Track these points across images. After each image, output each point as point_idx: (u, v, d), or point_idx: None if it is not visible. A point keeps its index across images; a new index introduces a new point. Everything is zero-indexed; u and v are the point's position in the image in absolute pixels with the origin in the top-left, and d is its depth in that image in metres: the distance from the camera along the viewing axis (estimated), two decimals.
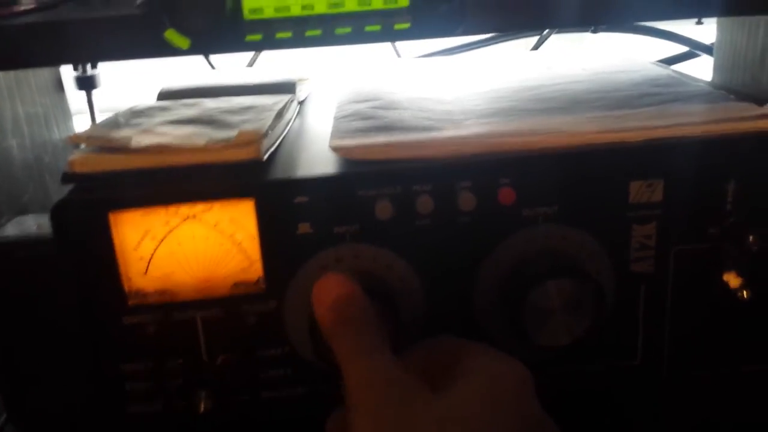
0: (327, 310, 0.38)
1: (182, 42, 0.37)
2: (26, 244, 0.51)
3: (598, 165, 0.43)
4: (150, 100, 0.64)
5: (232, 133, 0.45)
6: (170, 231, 0.44)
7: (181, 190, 0.43)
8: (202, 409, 0.46)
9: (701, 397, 0.48)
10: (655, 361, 0.47)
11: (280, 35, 0.37)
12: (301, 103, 0.64)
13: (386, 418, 0.33)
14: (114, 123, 0.50)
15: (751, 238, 0.43)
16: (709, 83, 0.64)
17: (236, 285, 0.45)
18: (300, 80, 0.65)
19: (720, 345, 0.47)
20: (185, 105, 0.56)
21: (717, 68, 0.65)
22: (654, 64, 0.69)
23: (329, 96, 0.66)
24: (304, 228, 0.43)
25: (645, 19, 0.43)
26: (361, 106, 0.55)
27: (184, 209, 0.43)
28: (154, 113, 0.54)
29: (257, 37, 0.37)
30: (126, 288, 0.45)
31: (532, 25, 0.41)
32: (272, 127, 0.49)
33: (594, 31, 0.72)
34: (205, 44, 0.37)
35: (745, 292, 0.43)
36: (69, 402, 0.53)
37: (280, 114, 0.53)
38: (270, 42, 0.37)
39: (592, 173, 0.43)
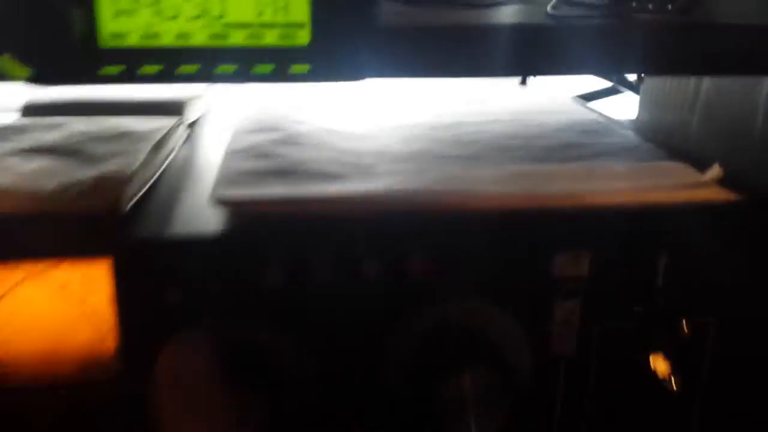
0: None
1: (19, 71, 0.29)
2: None
3: (521, 233, 0.38)
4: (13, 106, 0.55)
5: (89, 174, 0.37)
6: (7, 292, 0.36)
7: (21, 245, 0.35)
8: None
9: None
10: None
11: (146, 70, 0.30)
12: (192, 124, 0.56)
13: None
14: None
15: (683, 321, 0.39)
16: (633, 121, 0.61)
17: (85, 364, 0.37)
18: (192, 98, 0.57)
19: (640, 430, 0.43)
20: (48, 127, 0.47)
21: (643, 106, 0.62)
22: (576, 100, 0.65)
23: (226, 118, 0.59)
24: (172, 296, 0.36)
25: (573, 73, 0.39)
26: (260, 138, 0.48)
27: (25, 267, 0.35)
28: (6, 136, 0.45)
29: (116, 69, 0.30)
30: None
31: (453, 72, 0.35)
32: (144, 165, 0.41)
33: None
34: (49, 75, 0.30)
35: (673, 379, 0.39)
36: None
37: (158, 145, 0.45)
38: (132, 76, 0.30)
39: (513, 242, 0.38)
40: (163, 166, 0.45)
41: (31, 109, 0.54)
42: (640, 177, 0.41)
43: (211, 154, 0.49)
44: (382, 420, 0.39)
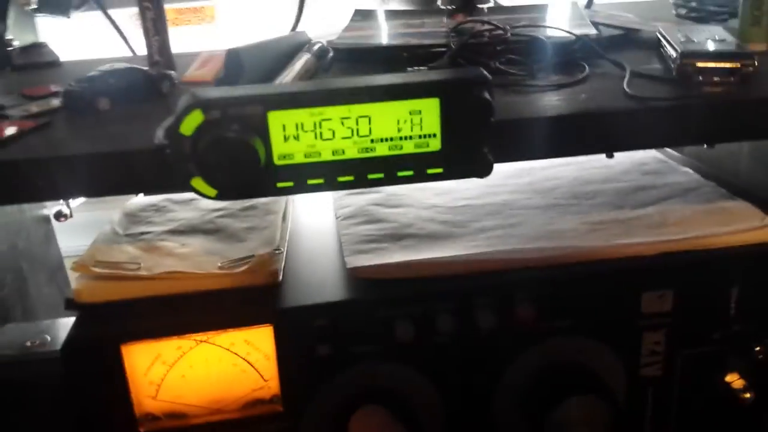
0: None
1: (209, 191, 0.36)
2: (23, 364, 0.49)
3: (613, 279, 0.44)
4: None
5: (244, 252, 0.45)
6: (182, 355, 0.43)
7: (197, 321, 0.42)
8: None
9: None
10: None
11: (312, 182, 0.36)
12: None
13: None
14: (113, 237, 0.49)
15: (757, 347, 0.45)
16: (683, 153, 0.66)
17: (250, 404, 0.44)
18: None
19: None
20: (178, 203, 0.55)
21: None
22: None
23: None
24: (323, 350, 0.43)
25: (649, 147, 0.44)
26: (362, 201, 0.54)
27: (198, 335, 0.42)
28: (149, 217, 0.52)
29: (289, 184, 0.36)
30: (137, 413, 0.43)
31: (554, 154, 0.41)
32: (282, 238, 0.48)
33: None
34: (234, 194, 0.36)
35: (747, 394, 0.45)
36: None
37: (284, 217, 0.52)
38: (301, 188, 0.36)
39: (606, 287, 0.44)
40: (288, 236, 0.52)
41: None
42: (708, 223, 0.47)
43: (318, 218, 0.56)
44: None
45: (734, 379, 0.46)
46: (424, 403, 0.45)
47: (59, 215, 0.75)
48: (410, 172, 0.37)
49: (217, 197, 0.36)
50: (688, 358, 0.46)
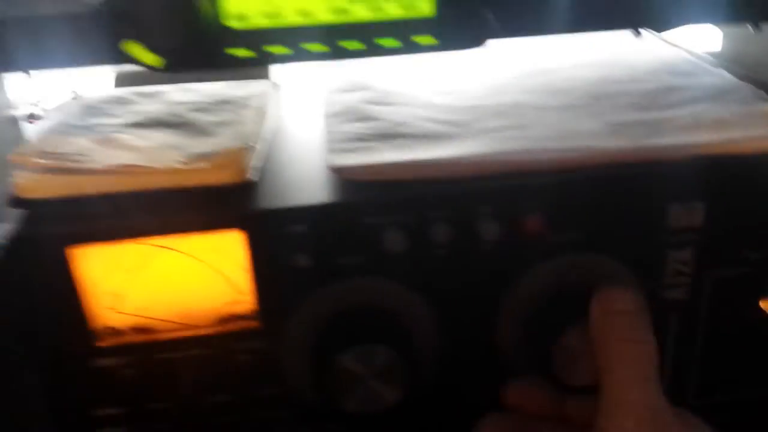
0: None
1: (152, 59, 0.30)
2: None
3: (634, 188, 0.38)
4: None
5: (211, 146, 0.39)
6: (143, 263, 0.38)
7: (156, 223, 0.36)
8: None
9: (725, 424, 0.45)
10: (680, 389, 0.44)
11: (272, 49, 0.30)
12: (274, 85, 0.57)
13: None
14: (65, 127, 0.43)
15: None
16: (716, 55, 0.59)
17: (224, 320, 0.39)
18: None
19: (749, 372, 0.44)
20: (146, 96, 0.49)
21: (727, 38, 0.60)
22: (654, 34, 0.64)
23: (310, 77, 0.59)
24: (302, 260, 0.37)
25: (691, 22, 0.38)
26: (353, 98, 0.48)
27: (159, 240, 0.37)
28: (110, 109, 0.46)
29: (246, 52, 0.30)
30: (93, 326, 0.38)
31: (563, 28, 0.35)
32: (257, 134, 0.42)
33: None
34: (180, 62, 0.30)
35: None
36: None
37: (261, 112, 0.46)
38: (261, 57, 0.30)
39: (626, 196, 0.38)
40: (270, 133, 0.46)
41: (122, 79, 0.55)
42: (748, 125, 0.41)
43: (306, 117, 0.50)
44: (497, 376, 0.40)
45: None
46: (415, 324, 0.39)
47: (32, 117, 0.69)
48: (395, 42, 0.30)
49: (165, 68, 0.30)
50: (719, 281, 0.41)
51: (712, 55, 0.60)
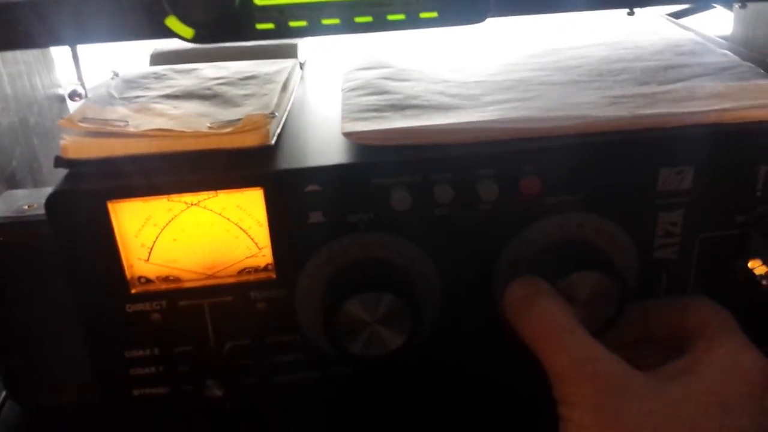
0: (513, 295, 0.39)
1: (185, 31, 0.33)
2: (18, 225, 0.48)
3: (627, 152, 0.41)
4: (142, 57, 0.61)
5: (237, 115, 0.42)
6: (173, 218, 0.42)
7: (185, 181, 0.40)
8: (211, 393, 0.45)
9: None
10: None
11: (294, 24, 0.34)
12: (302, 65, 0.60)
13: (606, 413, 0.33)
14: (107, 98, 0.47)
15: None
16: (727, 38, 0.61)
17: (244, 271, 0.43)
18: (301, 41, 0.61)
19: None
20: (180, 72, 0.53)
21: (738, 22, 0.62)
22: (668, 19, 0.66)
23: (333, 58, 0.63)
24: (315, 217, 0.41)
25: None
26: (370, 75, 0.52)
27: (188, 197, 0.41)
28: (148, 83, 0.50)
29: (269, 25, 0.34)
30: (128, 276, 0.42)
31: (565, 6, 0.37)
32: (278, 105, 0.46)
33: None
34: (210, 34, 0.34)
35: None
36: (70, 380, 0.52)
37: (284, 86, 0.49)
38: (283, 31, 0.34)
39: (620, 161, 0.41)
40: (290, 104, 0.50)
41: (157, 58, 0.59)
42: (740, 97, 0.43)
43: (325, 94, 0.53)
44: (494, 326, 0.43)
45: (756, 266, 0.43)
46: (420, 277, 0.43)
47: (74, 95, 0.74)
48: (401, 16, 0.34)
49: (194, 39, 0.34)
50: (707, 241, 0.43)
51: (723, 38, 0.62)
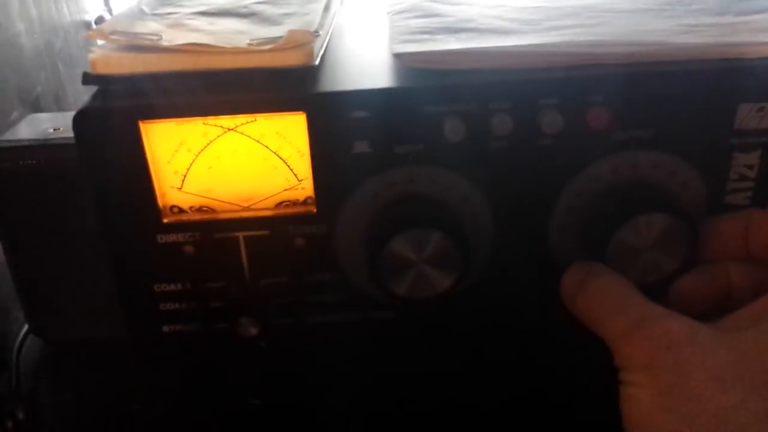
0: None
1: None
2: (43, 149, 0.46)
3: (704, 84, 0.37)
4: None
5: (277, 32, 0.39)
6: (208, 143, 0.39)
7: (222, 101, 0.37)
8: (246, 332, 0.43)
9: None
10: None
11: None
12: None
13: (665, 370, 0.31)
14: (138, 13, 0.44)
15: None
16: None
17: (282, 204, 0.41)
18: None
19: None
20: None
21: None
22: None
23: None
24: (361, 147, 0.38)
25: None
26: None
27: (224, 121, 0.38)
28: (182, 1, 0.47)
29: None
30: (160, 204, 0.40)
31: None
32: (321, 24, 0.42)
33: None
34: None
35: None
36: (97, 315, 0.50)
37: (327, 6, 0.46)
38: None
39: (696, 93, 0.37)
40: (332, 26, 0.46)
41: None
42: None
43: (368, 16, 0.50)
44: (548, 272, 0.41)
45: None
46: (471, 215, 0.40)
47: (100, 21, 0.71)
48: None
49: None
50: None
51: None
